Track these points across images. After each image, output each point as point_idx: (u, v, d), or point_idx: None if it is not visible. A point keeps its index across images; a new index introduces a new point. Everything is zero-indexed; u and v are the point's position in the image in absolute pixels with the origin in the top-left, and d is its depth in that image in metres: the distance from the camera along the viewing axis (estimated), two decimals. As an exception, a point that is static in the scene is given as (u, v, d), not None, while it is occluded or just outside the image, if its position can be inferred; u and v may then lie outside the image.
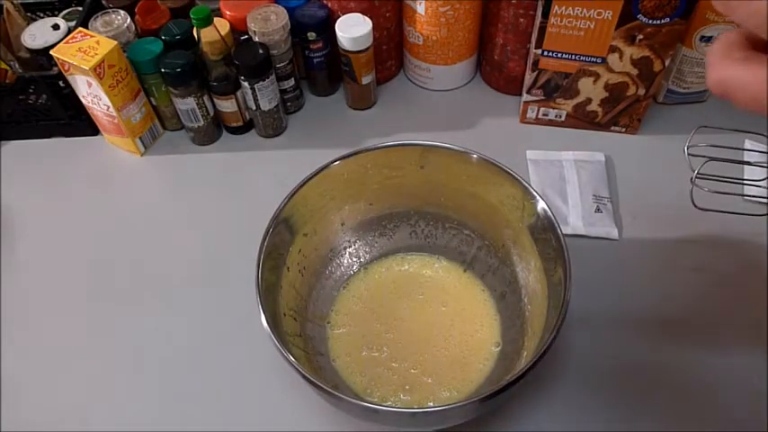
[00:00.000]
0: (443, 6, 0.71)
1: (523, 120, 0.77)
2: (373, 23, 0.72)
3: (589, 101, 0.73)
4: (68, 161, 0.79)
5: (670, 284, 0.63)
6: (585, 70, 0.69)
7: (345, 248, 0.63)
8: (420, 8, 0.73)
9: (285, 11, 0.73)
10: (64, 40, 0.70)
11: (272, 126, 0.78)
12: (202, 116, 0.75)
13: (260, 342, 0.51)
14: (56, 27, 0.77)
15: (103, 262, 0.69)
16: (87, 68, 0.67)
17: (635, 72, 0.68)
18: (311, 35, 0.75)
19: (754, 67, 0.25)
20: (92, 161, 0.79)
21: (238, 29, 0.74)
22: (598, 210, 0.67)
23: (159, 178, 0.78)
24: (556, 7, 0.64)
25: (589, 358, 0.58)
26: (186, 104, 0.73)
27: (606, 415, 0.55)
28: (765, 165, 0.66)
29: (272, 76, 0.73)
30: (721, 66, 0.27)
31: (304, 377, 0.46)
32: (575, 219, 0.67)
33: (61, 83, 0.74)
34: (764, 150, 0.68)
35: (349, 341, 0.58)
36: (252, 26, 0.72)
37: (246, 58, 0.70)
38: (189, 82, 0.71)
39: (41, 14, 0.83)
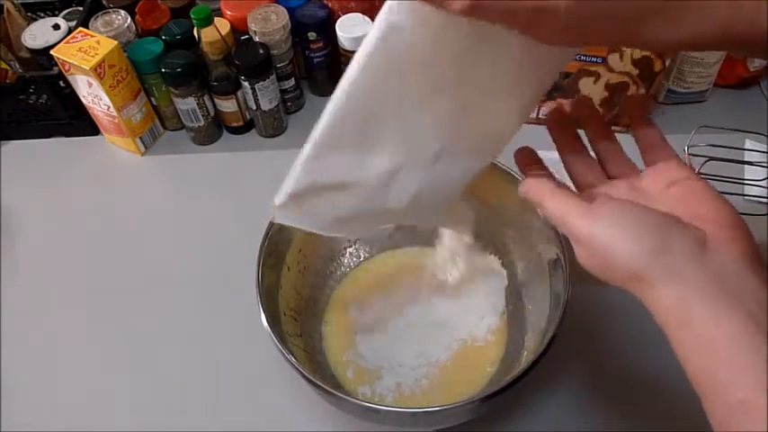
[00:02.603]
0: (444, 6, 0.71)
1: (524, 120, 0.77)
2: (373, 23, 0.72)
3: (589, 101, 0.73)
4: (68, 161, 0.79)
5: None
6: (586, 70, 0.69)
7: (346, 248, 0.63)
8: (420, 8, 0.73)
9: (285, 11, 0.73)
10: (64, 40, 0.70)
11: (272, 126, 0.78)
12: (203, 116, 0.75)
13: (260, 342, 0.51)
14: (56, 27, 0.77)
15: (103, 262, 0.69)
16: (88, 68, 0.67)
17: (635, 72, 0.68)
18: (312, 35, 0.75)
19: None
20: (92, 161, 0.79)
21: (239, 29, 0.74)
22: (598, 210, 0.67)
23: (159, 178, 0.78)
24: (556, 7, 0.64)
25: (589, 358, 0.58)
26: (187, 104, 0.73)
27: (606, 415, 0.55)
28: (765, 164, 0.66)
29: (273, 76, 0.73)
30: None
31: (304, 377, 0.46)
32: (575, 219, 0.67)
33: (62, 83, 0.74)
34: (765, 150, 0.68)
35: (349, 340, 0.58)
36: (252, 26, 0.72)
37: (247, 58, 0.70)
38: (189, 82, 0.71)
39: (42, 14, 0.83)
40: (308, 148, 0.38)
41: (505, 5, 0.29)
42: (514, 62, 0.35)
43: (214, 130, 0.79)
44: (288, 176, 0.40)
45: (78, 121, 0.79)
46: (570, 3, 0.29)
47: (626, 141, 0.82)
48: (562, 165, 0.64)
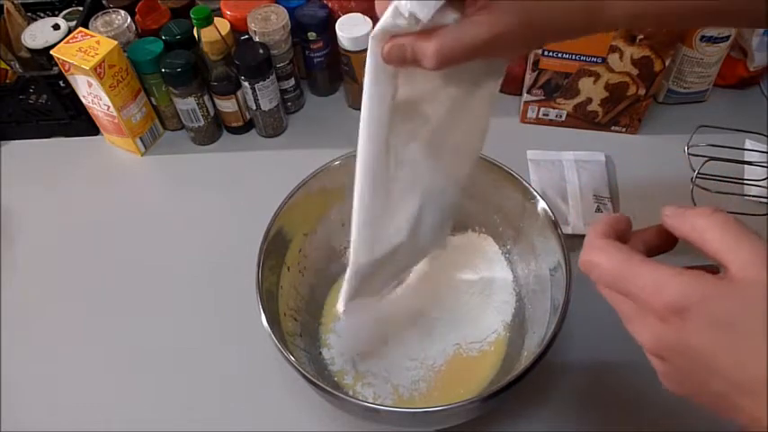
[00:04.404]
0: (444, 6, 0.71)
1: (524, 120, 0.77)
2: (373, 23, 0.72)
3: (589, 101, 0.73)
4: (68, 161, 0.79)
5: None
6: (586, 70, 0.69)
7: (346, 248, 0.63)
8: (420, 8, 0.73)
9: (285, 11, 0.73)
10: (64, 40, 0.70)
11: (272, 126, 0.78)
12: (203, 116, 0.75)
13: (260, 342, 0.51)
14: (56, 27, 0.77)
15: (103, 262, 0.69)
16: (87, 68, 0.67)
17: (635, 72, 0.68)
18: (311, 35, 0.75)
19: (608, 253, 0.31)
20: (92, 161, 0.79)
21: (239, 29, 0.74)
22: (598, 209, 0.67)
23: (159, 178, 0.78)
24: (556, 7, 0.64)
25: (590, 358, 0.58)
26: (186, 104, 0.73)
27: (605, 416, 0.55)
28: (765, 164, 0.66)
29: (273, 76, 0.73)
30: (587, 251, 0.33)
31: (304, 377, 0.46)
32: (575, 219, 0.67)
33: (61, 83, 0.74)
34: (765, 150, 0.68)
35: (350, 340, 0.58)
36: (252, 26, 0.72)
37: (247, 58, 0.70)
38: (189, 82, 0.71)
39: (42, 14, 0.83)
40: (354, 243, 0.44)
41: (465, 47, 0.34)
42: (476, 74, 0.40)
43: (214, 130, 0.79)
44: (346, 281, 0.47)
45: (78, 121, 0.79)
46: (521, 20, 0.33)
47: (626, 141, 0.82)
48: (572, 163, 0.64)
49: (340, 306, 0.48)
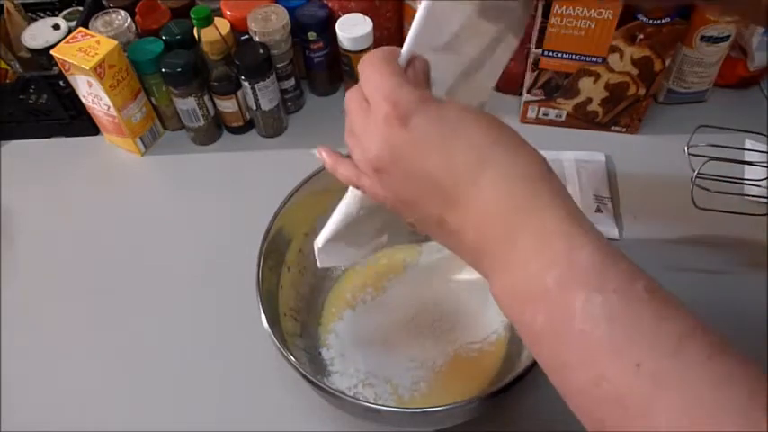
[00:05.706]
0: (444, 6, 0.71)
1: (524, 120, 0.77)
2: (374, 23, 0.72)
3: (589, 101, 0.73)
4: (68, 161, 0.79)
5: (670, 284, 0.62)
6: (586, 70, 0.69)
7: (346, 248, 0.63)
8: (420, 8, 0.73)
9: (285, 11, 0.73)
10: (64, 40, 0.70)
11: (272, 126, 0.78)
12: (203, 116, 0.75)
13: (260, 342, 0.51)
14: (56, 27, 0.77)
15: (103, 262, 0.69)
16: (87, 68, 0.67)
17: (635, 72, 0.68)
18: (312, 35, 0.75)
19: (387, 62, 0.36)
20: (92, 161, 0.79)
21: (239, 29, 0.74)
22: (598, 210, 0.67)
23: (159, 178, 0.78)
24: (556, 7, 0.64)
25: (589, 358, 0.58)
26: (187, 104, 0.73)
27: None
28: (766, 164, 0.66)
29: (273, 76, 0.73)
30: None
31: (304, 377, 0.46)
32: (575, 219, 0.67)
33: (61, 83, 0.74)
34: (765, 150, 0.68)
35: (350, 340, 0.58)
36: (252, 26, 0.72)
37: (247, 58, 0.70)
38: (189, 82, 0.71)
39: (42, 14, 0.83)
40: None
41: None
42: (499, 28, 0.40)
43: (214, 130, 0.79)
44: (333, 222, 0.46)
45: (78, 121, 0.79)
46: None
47: (626, 141, 0.82)
48: (572, 163, 0.64)
49: (319, 241, 0.47)
